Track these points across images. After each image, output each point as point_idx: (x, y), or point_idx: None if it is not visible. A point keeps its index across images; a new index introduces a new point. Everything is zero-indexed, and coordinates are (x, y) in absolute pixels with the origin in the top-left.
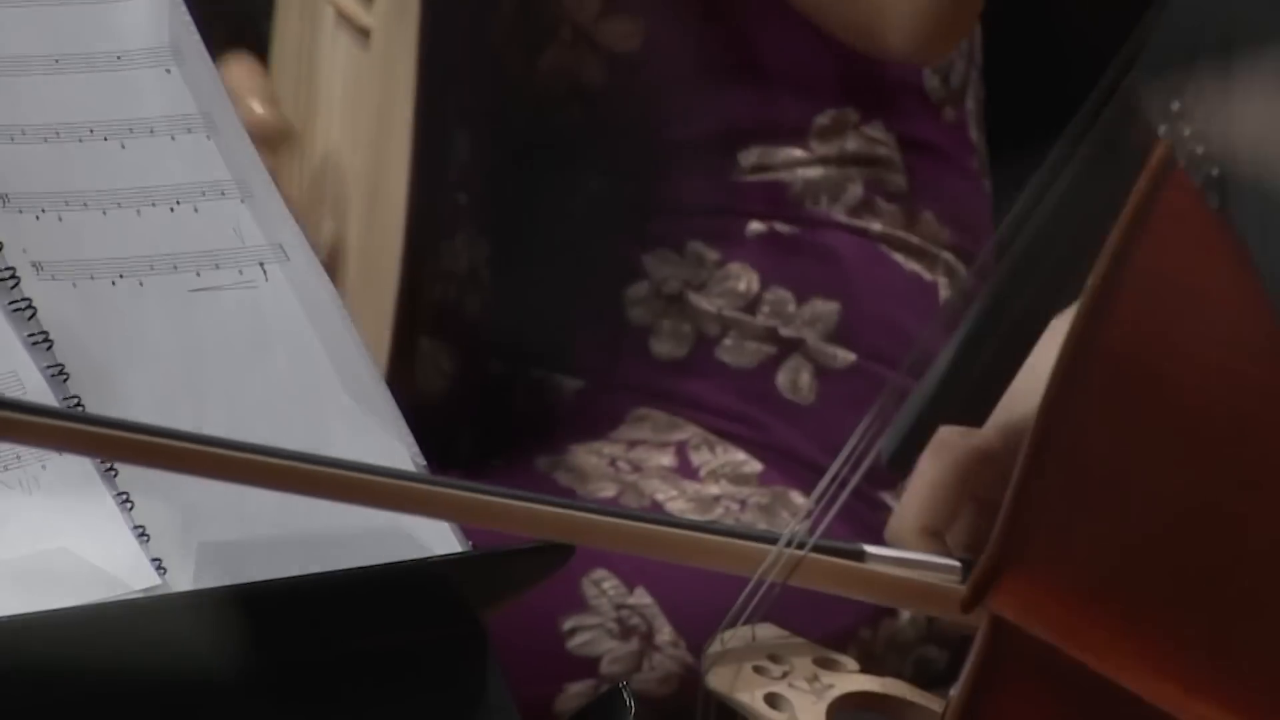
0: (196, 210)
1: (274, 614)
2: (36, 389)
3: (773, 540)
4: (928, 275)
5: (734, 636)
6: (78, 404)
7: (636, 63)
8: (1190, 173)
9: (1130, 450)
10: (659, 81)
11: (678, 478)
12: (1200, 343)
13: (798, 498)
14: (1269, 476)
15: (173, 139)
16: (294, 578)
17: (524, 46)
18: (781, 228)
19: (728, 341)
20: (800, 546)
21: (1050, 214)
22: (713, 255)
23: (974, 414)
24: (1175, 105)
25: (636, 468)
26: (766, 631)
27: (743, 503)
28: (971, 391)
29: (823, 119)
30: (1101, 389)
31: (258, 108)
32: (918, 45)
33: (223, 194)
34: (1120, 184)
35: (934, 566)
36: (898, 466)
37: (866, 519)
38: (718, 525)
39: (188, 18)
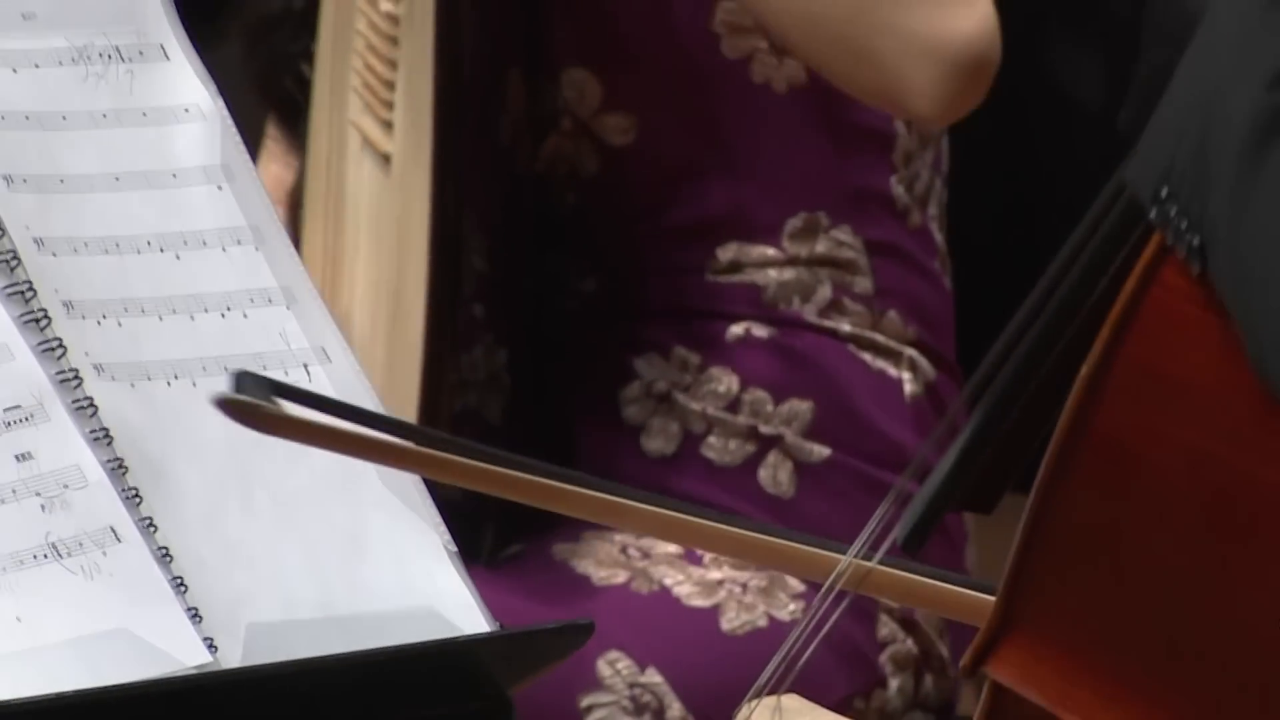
0: (245, 316)
1: (317, 689)
2: (97, 481)
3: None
4: (893, 371)
5: (760, 706)
6: (135, 495)
7: (629, 155)
8: (1176, 245)
9: (1118, 528)
10: (648, 173)
11: (684, 564)
12: (1180, 428)
13: (793, 581)
14: (1247, 552)
15: (224, 250)
16: (335, 655)
17: (530, 135)
18: (758, 330)
19: (712, 439)
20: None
21: (1055, 309)
22: (695, 359)
23: (985, 499)
24: (1164, 190)
25: (645, 554)
26: (792, 702)
27: (744, 585)
28: (982, 478)
29: (795, 221)
30: (1091, 471)
31: None
32: (937, 111)
33: (270, 301)
34: (1117, 281)
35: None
36: (912, 548)
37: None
38: (794, 534)
39: (238, 139)
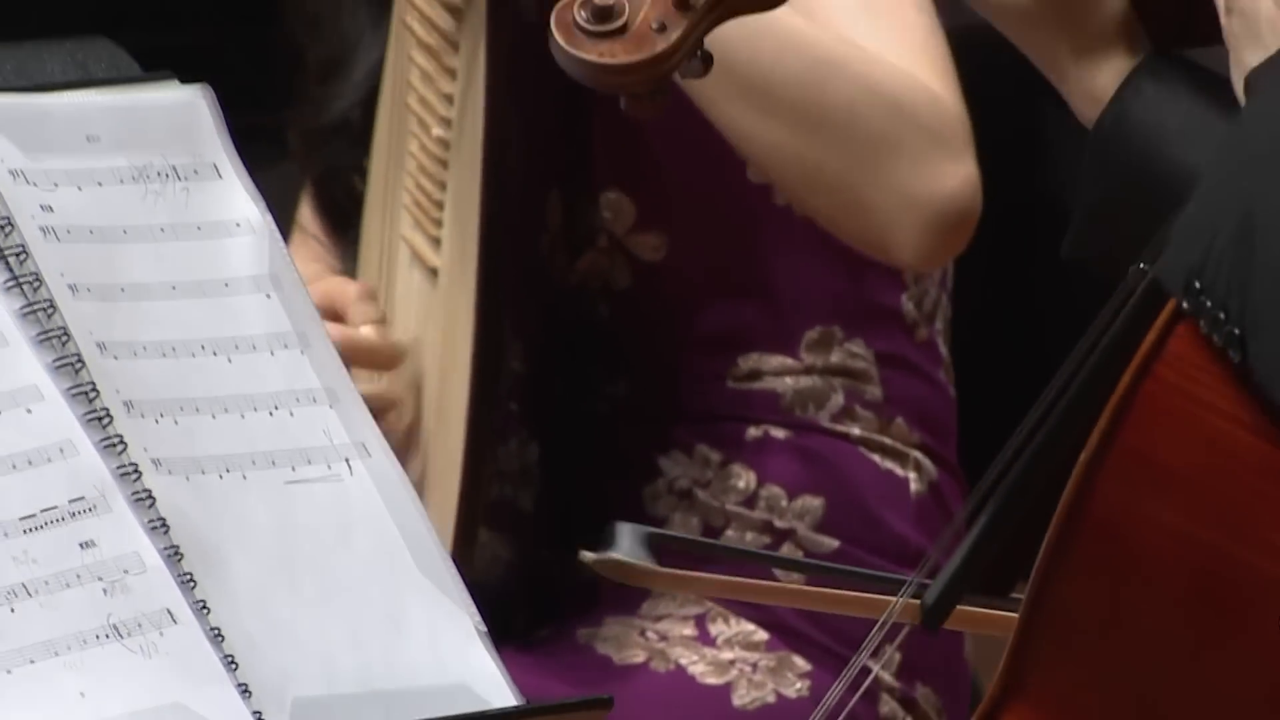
0: (291, 414)
1: None
2: (155, 567)
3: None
4: (900, 472)
5: None
6: (190, 580)
7: (660, 270)
8: (1213, 335)
9: (1112, 606)
10: (677, 287)
11: (699, 645)
12: (1171, 513)
13: (799, 662)
14: (1229, 628)
15: (272, 354)
16: None
17: (567, 251)
18: (775, 432)
19: (730, 532)
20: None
21: (1065, 407)
22: (716, 457)
23: (1002, 583)
24: (1196, 283)
25: (663, 637)
26: None
27: (754, 665)
28: (998, 562)
29: (812, 333)
30: (1087, 552)
31: (371, 333)
32: (922, 259)
33: (314, 400)
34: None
35: None
36: (932, 626)
37: None
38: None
39: (285, 251)
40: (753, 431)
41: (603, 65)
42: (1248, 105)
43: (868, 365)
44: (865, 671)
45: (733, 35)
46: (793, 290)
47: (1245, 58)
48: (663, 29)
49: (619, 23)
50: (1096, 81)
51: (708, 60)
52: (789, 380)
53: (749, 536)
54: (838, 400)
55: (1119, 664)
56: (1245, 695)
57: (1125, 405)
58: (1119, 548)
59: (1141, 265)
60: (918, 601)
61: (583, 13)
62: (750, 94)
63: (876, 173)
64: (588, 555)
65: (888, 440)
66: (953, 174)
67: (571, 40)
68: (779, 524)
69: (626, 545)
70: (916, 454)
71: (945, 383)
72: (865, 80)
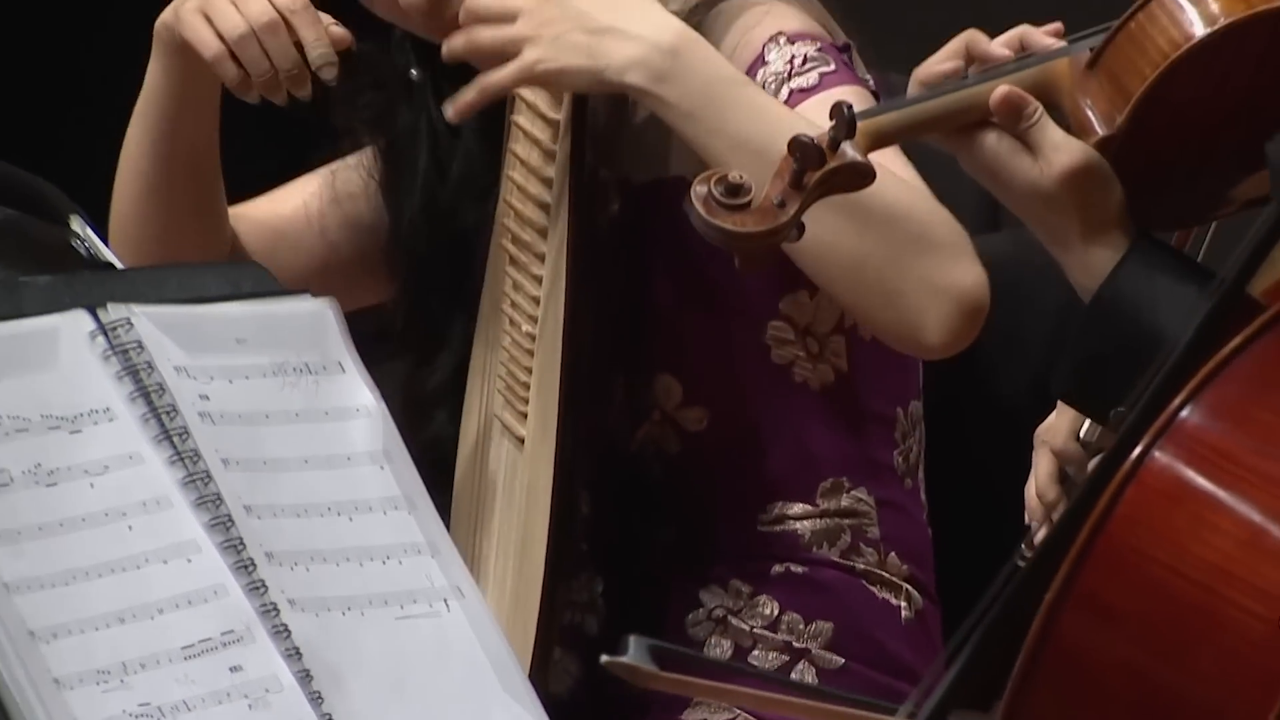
0: (400, 563)
1: None
2: (290, 687)
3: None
4: (893, 601)
5: None
6: (318, 697)
7: (703, 439)
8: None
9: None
10: (717, 452)
11: None
12: (1121, 646)
13: None
14: None
15: (385, 514)
16: None
17: (628, 423)
18: (795, 568)
19: (757, 651)
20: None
21: (1040, 551)
22: (746, 589)
23: (985, 698)
24: (1116, 412)
25: None
26: None
27: None
28: (979, 681)
29: (825, 484)
30: (1049, 676)
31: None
32: (946, 343)
33: (419, 552)
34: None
35: None
36: None
37: None
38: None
39: (395, 430)
40: (777, 568)
41: (735, 232)
42: None
43: (869, 509)
44: None
45: (775, 126)
46: (809, 450)
47: None
48: (782, 204)
49: (747, 199)
50: (1096, 260)
51: (802, 228)
52: (807, 523)
53: (771, 655)
54: (846, 539)
55: None
56: None
57: (1083, 556)
58: (1076, 673)
59: (1120, 409)
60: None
61: (718, 189)
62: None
63: (912, 268)
64: (605, 658)
65: (884, 573)
66: (972, 271)
67: (710, 210)
68: (796, 644)
69: (634, 653)
70: (906, 585)
71: (925, 523)
72: (903, 191)
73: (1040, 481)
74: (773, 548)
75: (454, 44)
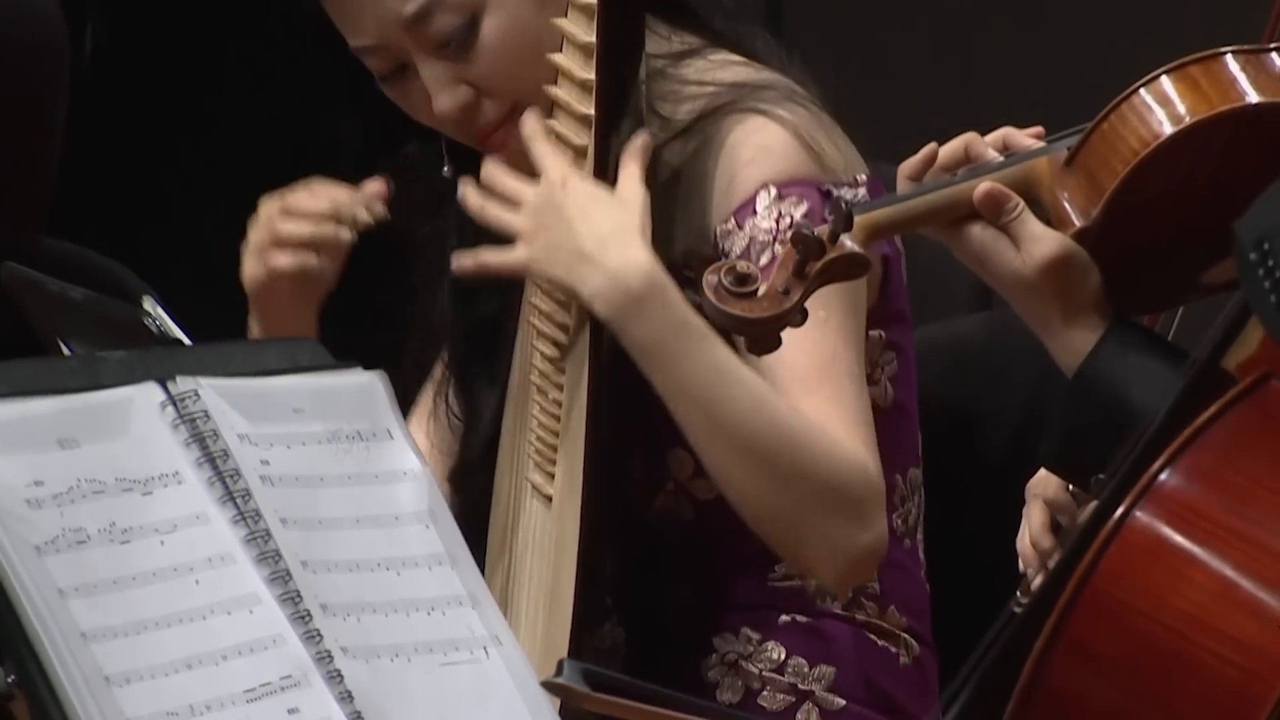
0: (444, 614)
1: None
2: None
3: None
4: (893, 649)
5: None
6: None
7: (714, 507)
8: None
9: None
10: (727, 518)
11: None
12: (1103, 688)
13: None
14: None
15: (430, 569)
16: None
17: (646, 492)
18: (800, 618)
19: (765, 693)
20: None
21: (1032, 602)
22: (756, 636)
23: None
24: (1265, 245)
25: None
26: None
27: None
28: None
29: None
30: (1041, 713)
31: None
32: (836, 587)
33: (461, 604)
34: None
35: None
36: None
37: None
38: None
39: (439, 492)
40: (784, 618)
41: (744, 318)
42: None
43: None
44: None
45: (716, 385)
46: None
47: None
48: (786, 292)
49: (753, 287)
50: (1076, 341)
51: (804, 314)
52: (812, 579)
53: (779, 696)
54: (848, 593)
55: None
56: None
57: (1070, 607)
58: (1064, 715)
59: (1100, 477)
60: None
61: (728, 278)
62: (721, 435)
63: (816, 528)
64: (542, 679)
65: (884, 624)
66: (871, 531)
67: (720, 298)
68: (801, 686)
69: (568, 675)
70: (905, 635)
71: (923, 579)
72: (809, 453)
73: (1034, 531)
74: (780, 600)
75: (470, 202)
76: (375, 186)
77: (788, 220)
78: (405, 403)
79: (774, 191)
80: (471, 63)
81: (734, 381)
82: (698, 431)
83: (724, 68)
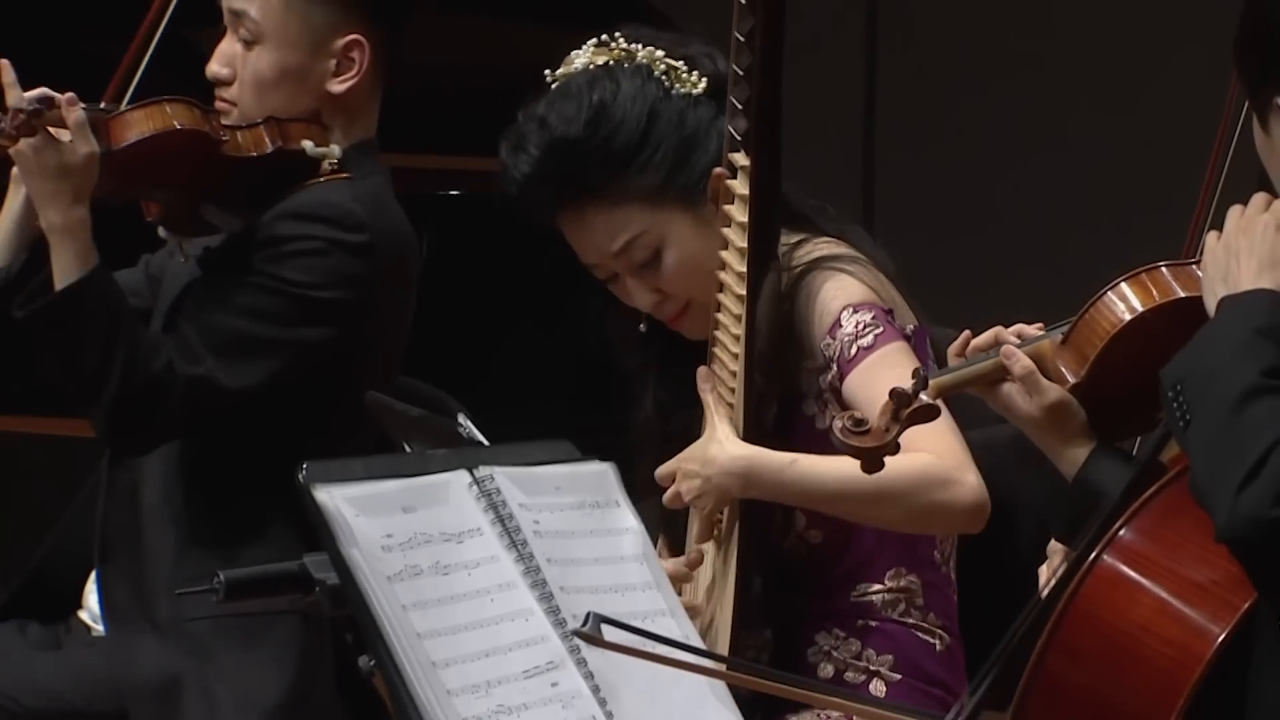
0: (654, 623)
1: None
2: (587, 695)
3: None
4: (931, 640)
5: None
6: (604, 702)
7: (820, 548)
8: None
9: (1078, 707)
10: (830, 554)
11: None
12: (1093, 677)
13: None
14: None
15: (643, 591)
16: None
17: (779, 538)
18: (871, 622)
19: (849, 673)
20: None
21: (1035, 611)
22: (842, 634)
23: (1003, 698)
24: (1177, 386)
25: None
26: None
27: None
28: (1003, 685)
29: (891, 571)
30: (1041, 692)
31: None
32: (968, 528)
33: (663, 614)
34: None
35: None
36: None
37: None
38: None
39: (648, 539)
40: (860, 622)
41: (860, 448)
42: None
43: (918, 587)
44: None
45: (818, 485)
46: (883, 552)
47: (1215, 289)
48: (888, 430)
49: (867, 427)
50: (1071, 457)
51: (898, 446)
52: (879, 596)
53: (859, 675)
54: (902, 606)
55: None
56: None
57: (1061, 618)
58: (1057, 689)
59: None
60: None
61: (849, 422)
62: (834, 505)
63: (920, 516)
64: (571, 628)
65: (925, 625)
66: (963, 491)
67: (845, 435)
68: (871, 668)
69: (590, 626)
70: (940, 631)
71: (953, 595)
72: (889, 483)
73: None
74: (859, 610)
75: (668, 499)
76: None
77: (863, 325)
78: (628, 481)
79: (851, 309)
80: (659, 277)
81: (825, 475)
82: (821, 507)
83: (819, 247)
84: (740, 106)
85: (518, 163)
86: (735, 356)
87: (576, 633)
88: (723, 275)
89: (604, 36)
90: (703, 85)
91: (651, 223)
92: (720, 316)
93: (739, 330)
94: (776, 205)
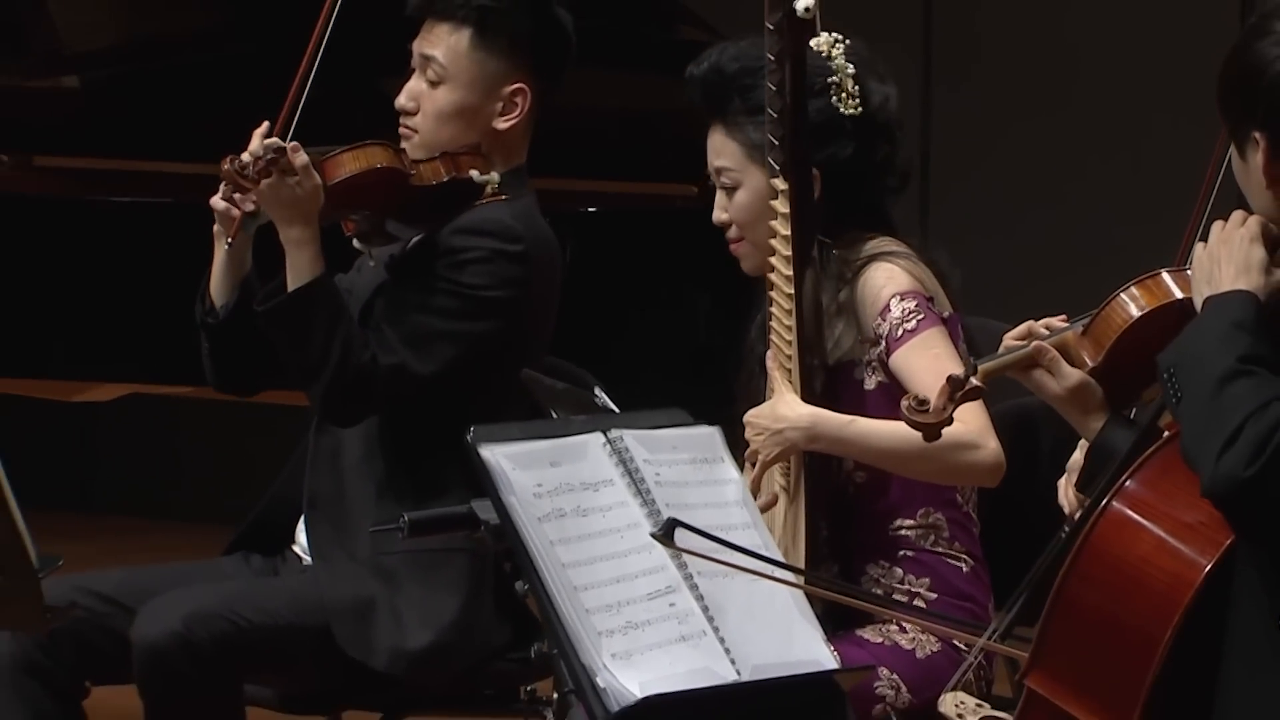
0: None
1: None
2: (698, 614)
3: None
4: (958, 564)
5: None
6: (713, 619)
7: (866, 487)
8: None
9: (1073, 630)
10: (872, 493)
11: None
12: (1097, 595)
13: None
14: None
15: (743, 530)
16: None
17: (834, 477)
18: (909, 553)
19: (896, 596)
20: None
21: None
22: (886, 564)
23: (1034, 613)
24: (1170, 369)
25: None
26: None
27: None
28: (1029, 610)
29: (922, 510)
30: (1065, 605)
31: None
32: (991, 480)
33: (759, 549)
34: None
35: None
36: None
37: None
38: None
39: (747, 489)
40: (901, 552)
41: (922, 423)
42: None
43: (943, 523)
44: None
45: (873, 443)
46: (916, 494)
47: (1202, 289)
48: (944, 408)
49: (928, 406)
50: (1090, 425)
51: (951, 420)
52: (914, 531)
53: (901, 596)
54: (932, 537)
55: (1099, 657)
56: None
57: (1080, 549)
58: (1076, 609)
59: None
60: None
61: (914, 401)
62: (886, 460)
63: (950, 469)
64: (650, 531)
65: (953, 552)
66: (983, 454)
67: (910, 412)
68: (913, 590)
69: (662, 530)
70: (964, 556)
71: (974, 529)
72: (941, 459)
73: (1068, 496)
74: (898, 543)
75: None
76: None
77: (908, 311)
78: (732, 439)
79: (899, 297)
80: (732, 204)
81: (878, 433)
82: (871, 460)
83: (883, 243)
84: (776, 143)
85: (698, 63)
86: (789, 342)
87: (654, 535)
88: (773, 276)
89: (836, 35)
90: (852, 111)
91: (742, 166)
92: (774, 309)
93: (790, 321)
94: (814, 224)
